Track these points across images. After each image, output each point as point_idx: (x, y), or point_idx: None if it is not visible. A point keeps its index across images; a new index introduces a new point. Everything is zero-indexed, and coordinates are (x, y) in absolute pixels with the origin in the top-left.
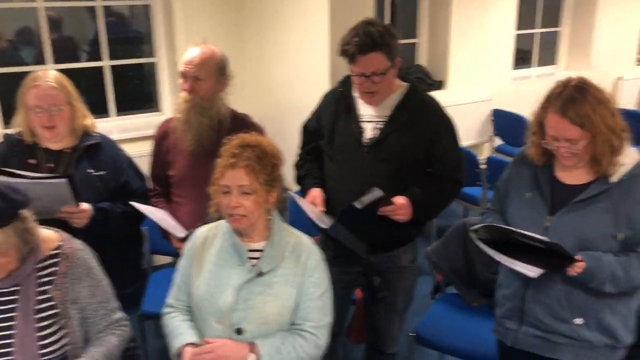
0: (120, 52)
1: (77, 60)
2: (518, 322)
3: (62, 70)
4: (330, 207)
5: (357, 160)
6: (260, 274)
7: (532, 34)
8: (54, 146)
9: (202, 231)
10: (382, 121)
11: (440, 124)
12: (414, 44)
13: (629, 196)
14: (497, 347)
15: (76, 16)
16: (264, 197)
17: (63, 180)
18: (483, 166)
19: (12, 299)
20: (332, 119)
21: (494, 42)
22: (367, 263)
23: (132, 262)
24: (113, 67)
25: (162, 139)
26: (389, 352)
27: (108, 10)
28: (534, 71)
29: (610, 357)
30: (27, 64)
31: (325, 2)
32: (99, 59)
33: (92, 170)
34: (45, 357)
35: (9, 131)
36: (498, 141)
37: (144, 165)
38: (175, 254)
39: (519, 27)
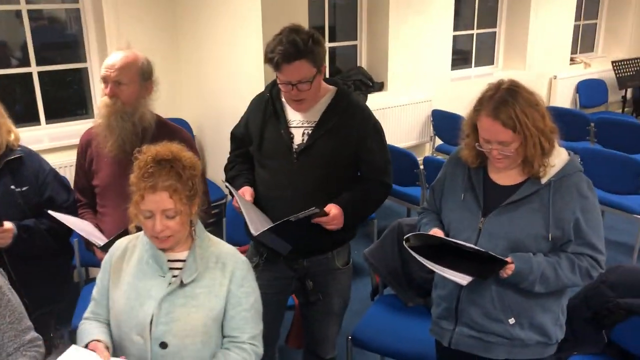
0: (58, 57)
1: (8, 66)
2: (453, 323)
3: None
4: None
5: (287, 166)
6: (182, 285)
7: (472, 34)
8: None
9: (121, 242)
10: (311, 127)
11: (368, 127)
12: (355, 46)
13: (559, 197)
14: (435, 347)
15: (8, 21)
16: (188, 213)
17: None
18: (421, 167)
19: None
20: (260, 124)
21: (432, 44)
22: (300, 267)
23: (63, 276)
24: (49, 73)
25: (85, 147)
26: (328, 357)
27: (40, 14)
28: (472, 71)
29: (543, 353)
30: None
31: (258, 6)
32: (27, 64)
33: (14, 187)
34: None
35: None
36: (438, 141)
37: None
38: None
39: (457, 28)
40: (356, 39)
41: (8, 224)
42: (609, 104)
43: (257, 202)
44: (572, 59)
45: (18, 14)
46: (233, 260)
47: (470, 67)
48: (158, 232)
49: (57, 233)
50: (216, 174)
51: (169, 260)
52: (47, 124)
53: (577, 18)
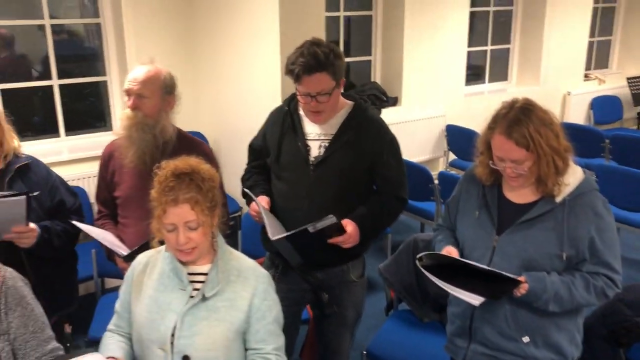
0: (76, 69)
1: (29, 79)
2: (467, 340)
3: (9, 90)
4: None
5: (304, 178)
6: (204, 299)
7: (485, 50)
8: None
9: (142, 257)
10: (328, 140)
11: (384, 142)
12: (369, 61)
13: (573, 216)
14: None
15: (29, 34)
16: (210, 224)
17: (22, 197)
18: (436, 181)
19: None
20: (278, 137)
21: (447, 59)
22: (315, 280)
23: (72, 280)
24: (68, 85)
25: (107, 160)
26: None
27: (61, 28)
28: (486, 87)
29: None
30: None
31: (275, 21)
32: (49, 78)
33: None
34: None
35: None
36: (452, 156)
37: (94, 186)
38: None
39: (471, 44)
40: (370, 54)
41: (32, 224)
42: (624, 121)
43: (274, 213)
44: (586, 75)
45: (38, 27)
46: (254, 274)
47: (484, 82)
48: (182, 244)
49: (71, 235)
50: (232, 187)
51: (189, 274)
52: (66, 135)
53: (592, 34)
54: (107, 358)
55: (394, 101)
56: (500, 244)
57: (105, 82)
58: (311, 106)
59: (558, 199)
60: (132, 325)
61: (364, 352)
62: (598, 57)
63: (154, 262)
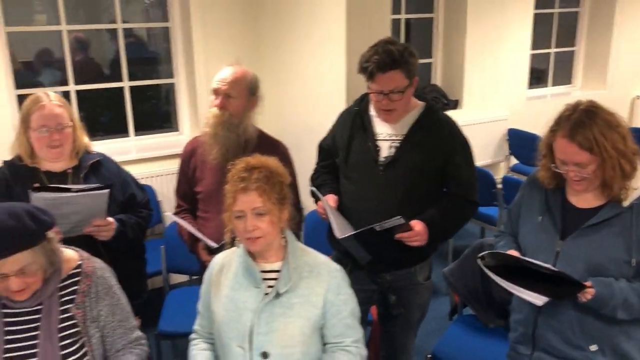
0: (139, 72)
1: (97, 81)
2: (531, 348)
3: (83, 92)
4: None
5: (373, 178)
6: (278, 295)
7: (548, 53)
8: (55, 167)
9: (218, 257)
10: (399, 140)
11: (456, 143)
12: (429, 63)
13: None
14: None
15: (96, 38)
16: (278, 216)
17: (105, 191)
18: (499, 186)
19: (35, 318)
20: (347, 137)
21: (509, 62)
22: (383, 281)
23: (142, 271)
24: (132, 88)
25: (189, 156)
26: None
27: (127, 31)
28: (549, 90)
29: None
30: (44, 86)
31: (342, 23)
32: (117, 80)
33: None
34: None
35: (7, 158)
36: (513, 160)
37: (164, 184)
38: (191, 273)
39: (534, 47)
40: (430, 57)
41: (110, 218)
42: None
43: (342, 213)
44: None
45: (106, 31)
46: (327, 269)
47: (547, 86)
48: (249, 230)
49: (142, 228)
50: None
51: (262, 271)
52: (135, 136)
53: None
54: None
55: (454, 104)
56: (565, 249)
57: (167, 85)
58: (383, 104)
59: (625, 203)
60: (213, 324)
61: (429, 356)
62: None
63: (229, 262)
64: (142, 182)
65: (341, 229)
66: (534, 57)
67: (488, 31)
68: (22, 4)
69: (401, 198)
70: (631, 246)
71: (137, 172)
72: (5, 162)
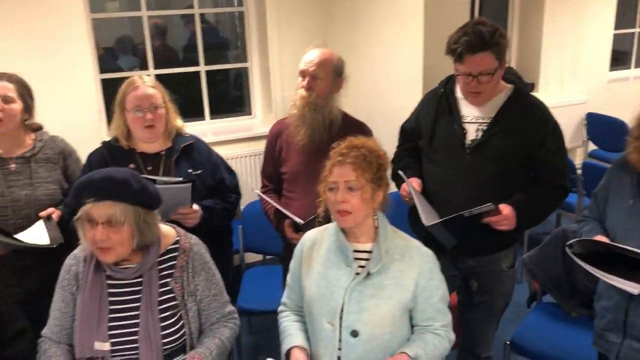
0: (208, 57)
1: (174, 66)
2: (621, 336)
3: (160, 76)
4: None
5: (459, 162)
6: (368, 276)
7: (632, 33)
8: (150, 149)
9: (310, 234)
10: (486, 122)
11: (547, 128)
12: None
13: None
14: None
15: (168, 24)
16: (370, 194)
17: (188, 184)
18: (578, 172)
19: (137, 290)
20: (432, 119)
21: (590, 42)
22: (465, 267)
23: (229, 252)
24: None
25: (275, 137)
26: (484, 356)
27: (201, 18)
28: (632, 73)
29: None
30: (124, 71)
31: (420, 4)
32: (191, 64)
33: (191, 170)
34: (167, 347)
35: (106, 138)
36: (592, 146)
37: (239, 166)
38: (266, 252)
39: (618, 26)
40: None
41: (195, 206)
42: None
43: (426, 196)
44: None
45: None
46: (419, 253)
47: (629, 68)
48: (339, 202)
49: (229, 212)
50: None
51: (354, 251)
52: (210, 119)
53: None
54: (293, 347)
55: (530, 87)
56: None
57: (235, 70)
58: (471, 87)
59: None
60: (302, 299)
61: (507, 342)
62: None
63: (321, 239)
64: None
65: (427, 216)
66: (616, 38)
67: (567, 9)
68: None
69: (487, 182)
70: None
71: None
72: (104, 143)
